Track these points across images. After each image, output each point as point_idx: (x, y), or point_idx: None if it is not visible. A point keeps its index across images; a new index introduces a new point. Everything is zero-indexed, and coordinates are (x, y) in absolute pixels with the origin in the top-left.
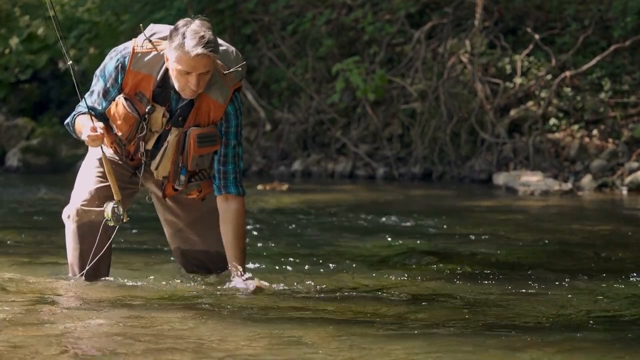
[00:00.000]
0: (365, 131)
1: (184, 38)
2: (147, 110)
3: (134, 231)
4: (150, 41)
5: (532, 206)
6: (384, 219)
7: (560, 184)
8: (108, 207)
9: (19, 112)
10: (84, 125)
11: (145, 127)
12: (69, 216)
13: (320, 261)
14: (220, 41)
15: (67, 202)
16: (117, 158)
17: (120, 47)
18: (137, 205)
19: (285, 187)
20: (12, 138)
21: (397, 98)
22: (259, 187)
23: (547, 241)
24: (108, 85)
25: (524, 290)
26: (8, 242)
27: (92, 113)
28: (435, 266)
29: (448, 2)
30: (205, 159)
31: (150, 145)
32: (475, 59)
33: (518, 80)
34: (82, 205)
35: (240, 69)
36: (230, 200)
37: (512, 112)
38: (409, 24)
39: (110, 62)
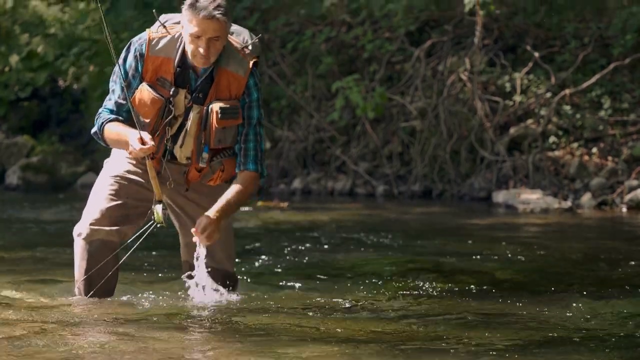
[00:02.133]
0: (365, 149)
1: (197, 0)
2: (171, 93)
3: (141, 250)
4: (164, 26)
5: (532, 224)
6: (383, 236)
7: (560, 201)
8: (158, 209)
9: (19, 129)
10: (123, 134)
11: (172, 110)
12: (79, 234)
13: (321, 279)
14: (234, 25)
15: (74, 220)
16: (137, 169)
17: (136, 38)
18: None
19: (285, 205)
20: (12, 156)
21: (396, 116)
22: (259, 205)
23: (546, 259)
24: (130, 77)
25: (523, 308)
26: (8, 260)
27: (121, 118)
28: (435, 284)
29: (448, 20)
30: (227, 134)
31: (173, 130)
32: (475, 77)
33: (518, 98)
34: (92, 224)
35: (257, 42)
36: (246, 174)
37: (512, 130)
38: (409, 41)
39: (128, 54)
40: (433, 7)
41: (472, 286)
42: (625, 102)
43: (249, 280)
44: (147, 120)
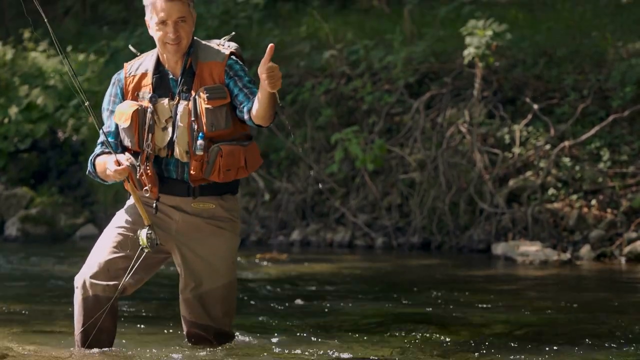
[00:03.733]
0: (364, 201)
1: None
2: (150, 99)
3: (143, 299)
4: (138, 54)
5: (531, 276)
6: (382, 288)
7: (559, 253)
8: (142, 234)
9: (18, 181)
10: (105, 162)
11: (150, 115)
12: (77, 286)
13: (319, 331)
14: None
15: (72, 272)
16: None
17: (115, 74)
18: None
19: (284, 257)
20: (11, 207)
21: (396, 168)
22: (258, 257)
23: (545, 311)
24: (112, 106)
25: None
26: (6, 311)
27: (107, 151)
28: (434, 335)
29: (447, 72)
30: (219, 116)
31: (167, 139)
32: (474, 129)
33: (517, 150)
34: (91, 277)
35: (230, 40)
36: None
37: (511, 182)
38: (408, 93)
39: (110, 88)
40: (432, 59)
41: (470, 338)
42: (624, 154)
43: (245, 332)
44: (130, 131)
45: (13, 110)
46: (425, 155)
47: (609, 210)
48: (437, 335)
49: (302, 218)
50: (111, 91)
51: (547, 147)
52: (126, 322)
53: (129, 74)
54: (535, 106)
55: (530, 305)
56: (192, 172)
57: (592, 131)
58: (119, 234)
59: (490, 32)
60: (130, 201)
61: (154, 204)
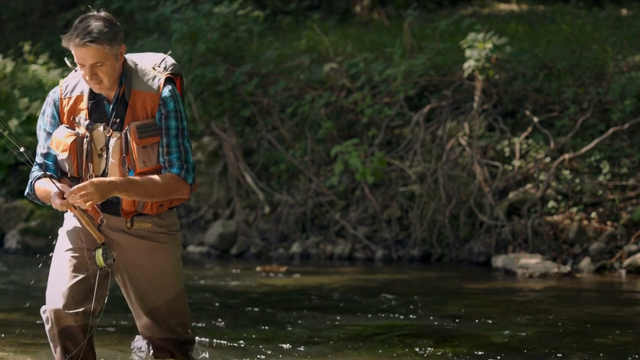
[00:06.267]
0: (364, 214)
1: (72, 29)
2: (86, 127)
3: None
4: (75, 70)
5: (531, 289)
6: (382, 301)
7: (559, 266)
8: (98, 255)
9: (18, 194)
10: (47, 189)
11: (88, 145)
12: (46, 319)
13: (319, 343)
14: (147, 54)
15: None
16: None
17: (52, 89)
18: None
19: (284, 269)
20: (11, 220)
21: (395, 180)
22: (258, 269)
23: (545, 323)
24: (49, 127)
25: None
26: (5, 323)
27: (49, 174)
28: (434, 348)
29: (447, 85)
30: (150, 154)
31: (102, 167)
32: (474, 142)
33: (517, 162)
34: (58, 309)
35: (174, 63)
36: (167, 173)
37: (511, 195)
38: (408, 106)
39: (47, 106)
40: (432, 72)
41: (470, 350)
42: (624, 167)
43: (243, 343)
44: (68, 161)
45: (13, 122)
46: (425, 168)
47: (609, 222)
48: (438, 348)
49: (302, 231)
50: (47, 111)
51: (547, 159)
52: (111, 335)
53: (65, 95)
54: (535, 119)
55: (530, 318)
56: (124, 207)
57: (592, 144)
58: (72, 257)
59: (490, 45)
60: (68, 222)
61: (98, 228)
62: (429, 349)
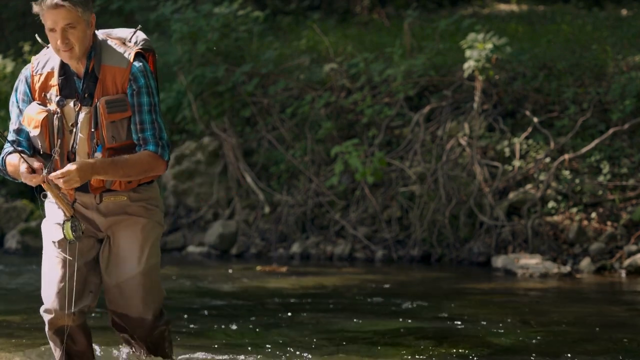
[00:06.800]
0: (364, 214)
1: None
2: (57, 103)
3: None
4: (47, 46)
5: (531, 289)
6: (382, 301)
7: (559, 266)
8: (66, 228)
9: (18, 194)
10: (17, 164)
11: (59, 121)
12: (45, 320)
13: (319, 343)
14: (119, 29)
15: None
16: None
17: (23, 68)
18: None
19: (284, 269)
20: (11, 220)
21: (395, 181)
22: (258, 269)
23: (545, 324)
24: (21, 104)
25: None
26: (5, 324)
27: (20, 149)
28: (433, 349)
29: (447, 85)
30: (120, 129)
31: (72, 143)
32: (474, 142)
33: (517, 163)
34: (55, 310)
35: (146, 38)
36: (144, 151)
37: (511, 195)
38: (408, 106)
39: (18, 83)
40: (432, 72)
41: (470, 351)
42: (624, 167)
43: (243, 344)
44: (40, 137)
45: None
46: (425, 168)
47: (609, 223)
48: (438, 348)
49: (302, 231)
50: (19, 88)
51: (547, 160)
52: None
53: (36, 72)
54: (535, 119)
55: (530, 318)
56: (92, 183)
57: (592, 144)
58: (60, 252)
59: (490, 45)
60: (49, 212)
61: (72, 205)
62: (429, 349)
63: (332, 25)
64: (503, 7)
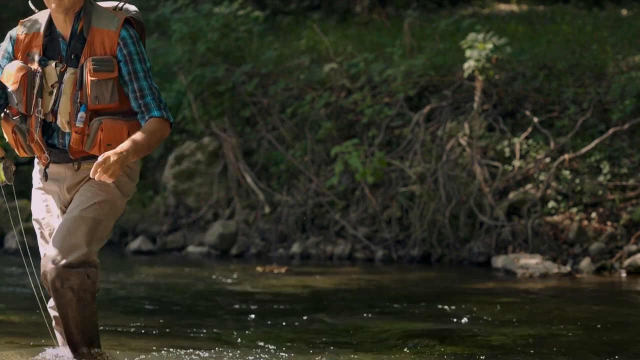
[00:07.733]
0: (364, 214)
1: None
2: (39, 62)
3: (123, 313)
4: (35, 10)
5: (531, 289)
6: (382, 301)
7: (559, 266)
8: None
9: (19, 194)
10: None
11: (39, 80)
12: (51, 288)
13: (319, 343)
14: (110, 1)
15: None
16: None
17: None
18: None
19: (284, 269)
20: (11, 220)
21: (395, 181)
22: (258, 269)
23: (545, 324)
24: (2, 60)
25: None
26: (6, 323)
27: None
28: (433, 348)
29: (447, 85)
30: (104, 89)
31: (51, 103)
32: (474, 142)
33: (517, 163)
34: (47, 270)
35: (136, 10)
36: (152, 119)
37: (511, 195)
38: (408, 106)
39: (3, 42)
40: (432, 72)
41: (470, 351)
42: (624, 167)
43: (244, 344)
44: (17, 94)
45: None
46: (425, 168)
47: (609, 223)
48: (438, 348)
49: (302, 231)
50: (2, 45)
51: (547, 160)
52: (109, 335)
53: (22, 33)
54: (535, 119)
55: (530, 318)
56: (71, 144)
57: (592, 144)
58: (50, 222)
59: (490, 45)
60: (36, 181)
61: (44, 170)
62: (429, 349)
63: (332, 25)
64: (503, 7)
